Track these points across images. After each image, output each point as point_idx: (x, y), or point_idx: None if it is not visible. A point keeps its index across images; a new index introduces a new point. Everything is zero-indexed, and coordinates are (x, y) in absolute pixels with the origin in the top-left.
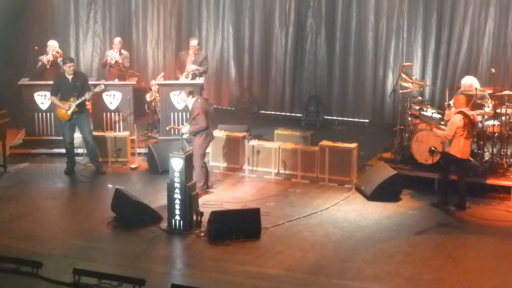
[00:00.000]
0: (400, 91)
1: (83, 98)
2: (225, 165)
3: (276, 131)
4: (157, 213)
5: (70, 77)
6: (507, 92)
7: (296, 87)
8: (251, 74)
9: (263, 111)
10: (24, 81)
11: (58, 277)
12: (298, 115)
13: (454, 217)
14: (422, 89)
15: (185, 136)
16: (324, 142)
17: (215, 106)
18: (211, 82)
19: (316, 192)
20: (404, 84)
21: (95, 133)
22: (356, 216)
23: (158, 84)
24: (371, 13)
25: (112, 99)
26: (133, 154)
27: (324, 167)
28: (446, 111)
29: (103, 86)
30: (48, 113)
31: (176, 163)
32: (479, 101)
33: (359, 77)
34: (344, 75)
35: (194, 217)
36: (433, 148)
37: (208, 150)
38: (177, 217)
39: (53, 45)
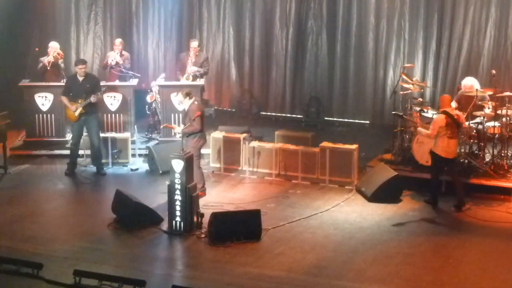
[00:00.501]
0: (401, 92)
1: (88, 101)
2: (225, 166)
3: (276, 132)
4: (157, 214)
5: (81, 78)
6: (507, 93)
7: (297, 88)
8: (251, 75)
9: (263, 112)
10: (25, 82)
11: (59, 279)
12: (298, 116)
13: (455, 219)
14: (422, 90)
15: (178, 136)
16: (325, 143)
17: (215, 107)
18: (211, 83)
19: (316, 193)
20: (405, 85)
21: None
22: (357, 217)
23: (159, 86)
24: (371, 14)
25: (113, 100)
26: (133, 155)
27: (324, 168)
28: None
29: (99, 96)
30: (48, 115)
31: (177, 165)
32: (479, 102)
33: (360, 78)
34: (344, 76)
35: (195, 219)
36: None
37: (208, 151)
38: (178, 219)
39: (54, 47)
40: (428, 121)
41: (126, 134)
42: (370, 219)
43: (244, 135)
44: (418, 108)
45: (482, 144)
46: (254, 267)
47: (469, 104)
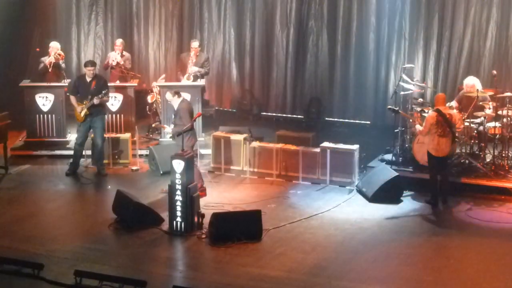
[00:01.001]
0: (402, 92)
1: (91, 102)
2: (226, 166)
3: (277, 133)
4: (158, 215)
5: (88, 79)
6: (508, 94)
7: (298, 88)
8: (252, 75)
9: (264, 113)
10: (26, 82)
11: (60, 279)
12: (299, 116)
13: (455, 219)
14: (423, 90)
15: (169, 137)
16: (325, 144)
17: (216, 108)
18: (212, 84)
19: (317, 193)
20: (406, 85)
21: None
22: (357, 217)
23: (160, 86)
24: (372, 15)
25: (114, 100)
26: (134, 156)
27: (325, 168)
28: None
29: (97, 101)
30: (49, 115)
31: (178, 165)
32: (480, 103)
33: (361, 79)
34: (345, 77)
35: (195, 219)
36: None
37: (209, 151)
38: (178, 219)
39: (55, 47)
40: None
41: (126, 135)
42: (371, 220)
43: (245, 135)
44: (419, 109)
45: (483, 144)
46: (254, 267)
47: (470, 104)
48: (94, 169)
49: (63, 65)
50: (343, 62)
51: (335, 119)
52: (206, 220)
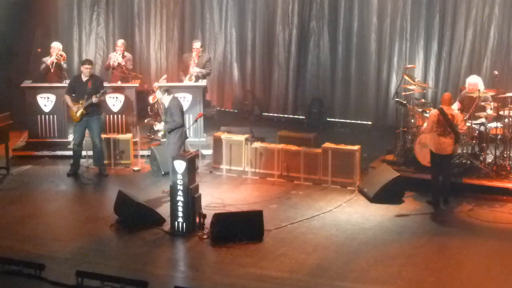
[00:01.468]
0: (403, 93)
1: (89, 101)
2: (227, 167)
3: (279, 133)
4: (159, 215)
5: (85, 79)
6: (510, 94)
7: (299, 89)
8: (254, 76)
9: (265, 113)
10: (27, 83)
11: (61, 279)
12: (300, 117)
13: (457, 220)
14: (425, 91)
15: (160, 134)
16: (327, 144)
17: (217, 108)
18: (214, 84)
19: (318, 194)
20: (407, 86)
21: None
22: (359, 218)
23: (161, 86)
24: (374, 15)
25: (115, 101)
26: (135, 156)
27: (327, 169)
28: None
29: (98, 97)
30: (51, 115)
31: (179, 165)
32: (482, 103)
33: (362, 79)
34: (347, 77)
35: (197, 219)
36: None
37: (210, 152)
38: (180, 219)
39: (57, 47)
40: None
41: (128, 135)
42: (373, 220)
43: (246, 136)
44: (420, 109)
45: (484, 145)
46: (256, 268)
47: (472, 104)
48: (96, 169)
49: (64, 66)
50: (345, 63)
51: (337, 120)
52: (208, 221)
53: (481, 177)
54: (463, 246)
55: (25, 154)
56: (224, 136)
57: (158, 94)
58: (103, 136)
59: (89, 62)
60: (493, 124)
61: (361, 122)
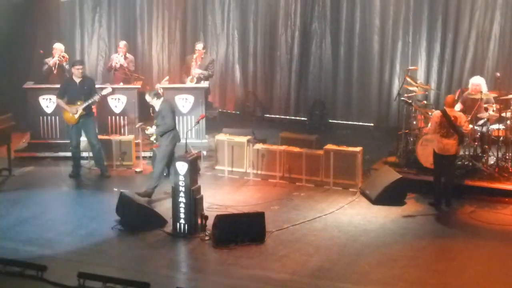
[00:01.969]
0: (405, 94)
1: (91, 101)
2: (229, 168)
3: (280, 135)
4: (161, 217)
5: (77, 80)
6: None
7: (301, 90)
8: (255, 77)
9: (267, 115)
10: (29, 84)
11: (63, 281)
12: (302, 118)
13: (459, 221)
14: (427, 92)
15: (152, 138)
16: (329, 146)
17: (220, 110)
18: (216, 86)
19: (320, 196)
20: (409, 88)
21: (100, 136)
22: (361, 220)
23: (163, 88)
24: (376, 17)
25: (117, 102)
26: (138, 157)
27: (328, 170)
28: None
29: (110, 89)
30: (53, 117)
31: (181, 167)
32: (485, 105)
33: (364, 81)
34: (349, 79)
35: (199, 221)
36: None
37: (212, 154)
38: (182, 221)
39: (59, 48)
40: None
41: (130, 137)
42: (375, 222)
43: (248, 137)
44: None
45: (486, 146)
46: (258, 269)
47: (474, 106)
48: (98, 171)
49: (67, 67)
50: (347, 64)
51: (339, 121)
52: (210, 222)
53: (483, 179)
54: (465, 248)
55: (27, 156)
56: (226, 137)
57: (148, 98)
58: (106, 137)
59: (80, 62)
60: (495, 126)
61: (363, 123)
